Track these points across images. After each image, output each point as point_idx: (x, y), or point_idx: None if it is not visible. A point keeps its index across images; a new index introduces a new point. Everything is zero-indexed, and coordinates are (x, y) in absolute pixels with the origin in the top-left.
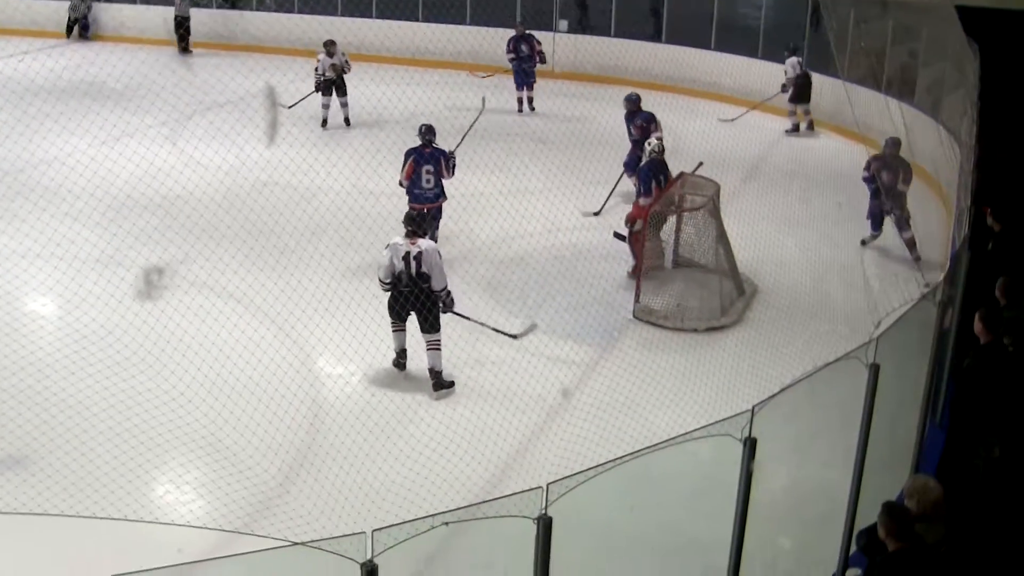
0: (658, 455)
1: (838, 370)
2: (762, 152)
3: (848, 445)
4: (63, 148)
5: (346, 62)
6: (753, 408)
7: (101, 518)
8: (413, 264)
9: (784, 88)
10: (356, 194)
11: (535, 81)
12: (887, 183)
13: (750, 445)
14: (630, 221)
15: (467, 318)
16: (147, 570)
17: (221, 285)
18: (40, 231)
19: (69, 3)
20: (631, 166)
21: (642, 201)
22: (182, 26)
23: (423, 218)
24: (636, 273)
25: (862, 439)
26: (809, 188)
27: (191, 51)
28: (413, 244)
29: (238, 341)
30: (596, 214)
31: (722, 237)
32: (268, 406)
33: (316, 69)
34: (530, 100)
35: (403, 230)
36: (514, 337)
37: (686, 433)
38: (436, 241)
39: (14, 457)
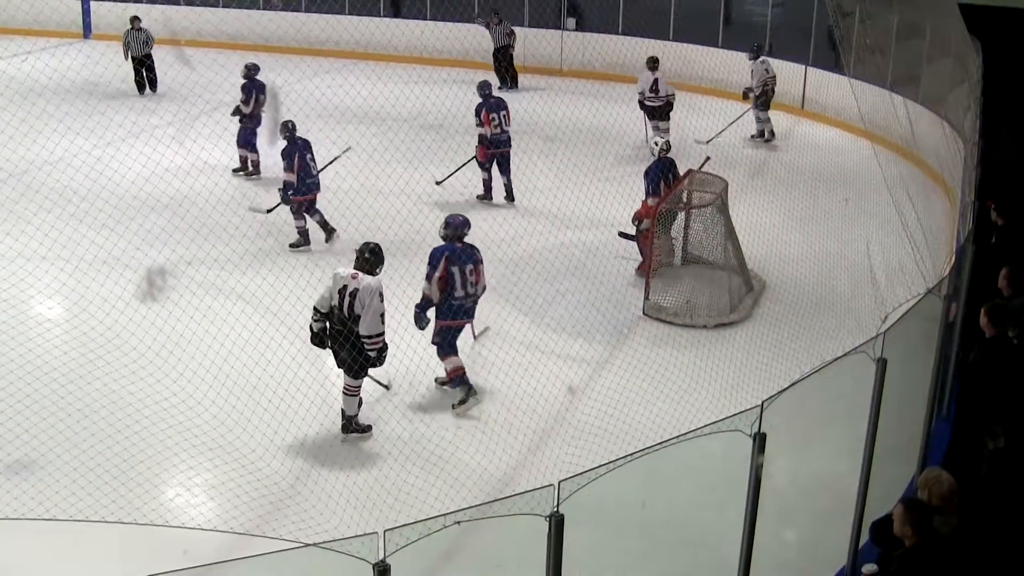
0: (669, 451)
1: (846, 365)
2: (769, 149)
3: (856, 439)
4: (68, 149)
5: None
6: (762, 403)
7: (109, 522)
8: (347, 301)
9: (746, 94)
10: (364, 193)
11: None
12: None
13: (760, 440)
14: (637, 219)
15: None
16: (158, 574)
17: (229, 286)
18: (45, 233)
19: (123, 41)
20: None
21: (650, 201)
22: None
23: (380, 254)
24: (645, 270)
25: (870, 433)
26: (816, 184)
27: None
28: (354, 278)
29: (247, 342)
30: (439, 183)
31: (730, 234)
32: (278, 407)
33: None
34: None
35: (354, 260)
36: (386, 388)
37: (696, 429)
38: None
39: (21, 462)
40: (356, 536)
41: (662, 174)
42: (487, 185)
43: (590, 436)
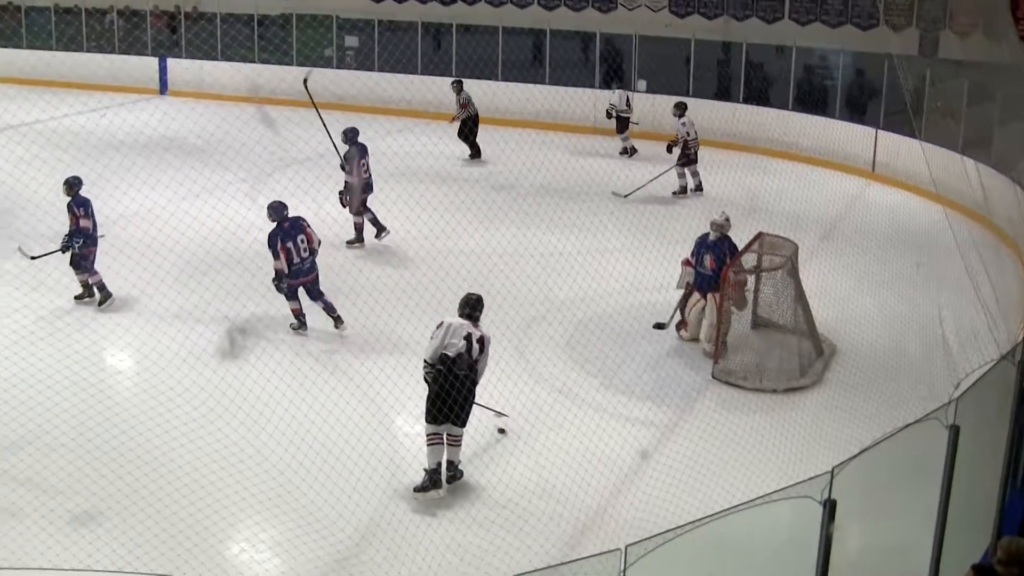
0: (737, 517)
1: (918, 431)
2: (839, 211)
3: (928, 507)
4: (143, 203)
5: None
6: (833, 469)
7: None
8: (476, 348)
9: (670, 149)
10: (447, 253)
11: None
12: None
13: (830, 507)
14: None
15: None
16: None
17: (300, 343)
18: (119, 287)
19: None
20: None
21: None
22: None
23: (482, 304)
24: (715, 341)
25: (943, 501)
26: (887, 247)
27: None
28: (476, 326)
29: (316, 399)
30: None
31: (800, 297)
32: (345, 465)
33: None
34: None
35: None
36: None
37: (765, 495)
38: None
39: (89, 513)
40: None
41: (730, 250)
42: (360, 229)
43: (658, 500)
